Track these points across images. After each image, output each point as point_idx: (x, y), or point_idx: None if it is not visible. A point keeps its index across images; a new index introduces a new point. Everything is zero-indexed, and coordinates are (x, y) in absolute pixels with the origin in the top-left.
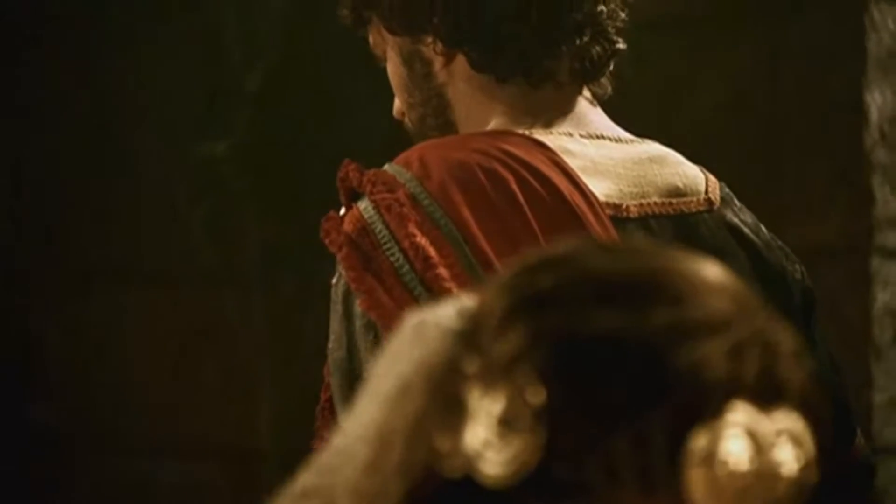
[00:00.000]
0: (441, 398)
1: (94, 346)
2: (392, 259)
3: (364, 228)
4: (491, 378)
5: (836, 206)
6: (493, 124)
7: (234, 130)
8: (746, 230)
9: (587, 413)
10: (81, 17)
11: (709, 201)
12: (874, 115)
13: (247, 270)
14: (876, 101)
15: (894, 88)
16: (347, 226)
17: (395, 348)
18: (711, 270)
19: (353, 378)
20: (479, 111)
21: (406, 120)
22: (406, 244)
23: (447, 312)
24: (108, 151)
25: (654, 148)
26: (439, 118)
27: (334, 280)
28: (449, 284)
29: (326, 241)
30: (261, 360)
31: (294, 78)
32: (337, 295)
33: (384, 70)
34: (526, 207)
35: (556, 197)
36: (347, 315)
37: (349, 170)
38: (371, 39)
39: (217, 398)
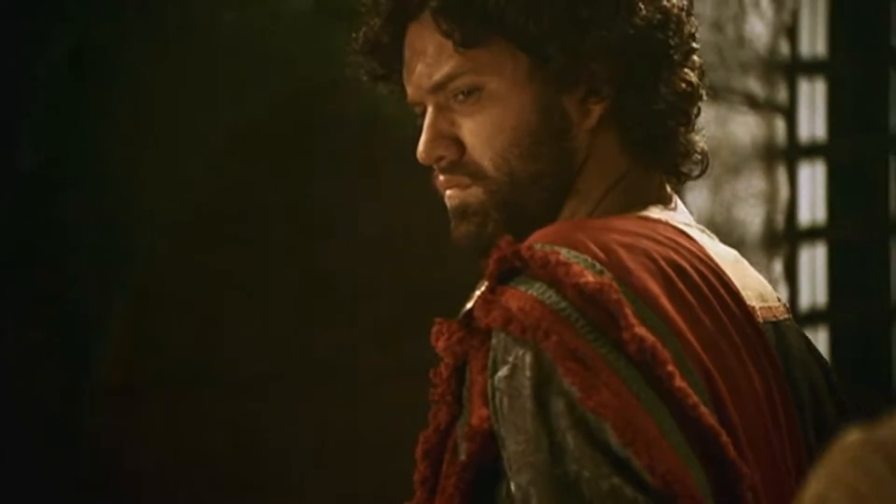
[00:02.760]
0: None
1: None
2: (602, 352)
3: (554, 315)
4: None
5: None
6: (611, 202)
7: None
8: (811, 341)
9: None
10: None
11: (787, 308)
12: (693, 216)
13: (2, 372)
14: (695, 202)
15: (712, 189)
16: (533, 312)
17: (840, 476)
18: None
19: (562, 484)
20: (600, 185)
21: (486, 166)
22: (625, 336)
23: None
24: None
25: (728, 247)
26: (558, 180)
27: (505, 373)
28: (680, 384)
29: (510, 328)
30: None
31: (71, 158)
32: (520, 389)
33: (174, 151)
34: (714, 301)
35: (729, 291)
36: (542, 412)
37: (521, 248)
38: (467, 63)
39: None
